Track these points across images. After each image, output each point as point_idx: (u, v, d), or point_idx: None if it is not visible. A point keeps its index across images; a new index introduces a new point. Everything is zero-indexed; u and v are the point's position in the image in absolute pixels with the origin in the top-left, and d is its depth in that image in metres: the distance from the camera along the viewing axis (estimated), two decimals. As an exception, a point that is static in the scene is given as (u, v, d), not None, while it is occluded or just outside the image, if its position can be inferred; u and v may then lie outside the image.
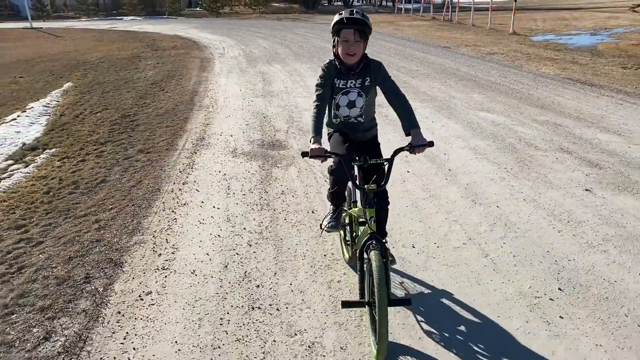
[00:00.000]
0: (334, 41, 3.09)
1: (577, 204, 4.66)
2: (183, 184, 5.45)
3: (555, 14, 31.22)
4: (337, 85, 3.13)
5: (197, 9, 51.45)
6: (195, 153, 6.48)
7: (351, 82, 3.12)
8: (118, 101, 9.80)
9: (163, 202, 4.99)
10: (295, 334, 3.02)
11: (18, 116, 9.41)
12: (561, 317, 3.11)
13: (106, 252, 4.08)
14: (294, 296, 3.41)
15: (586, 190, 4.98)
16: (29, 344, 3.04)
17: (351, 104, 3.19)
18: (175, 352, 2.92)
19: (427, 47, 17.69)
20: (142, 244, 4.18)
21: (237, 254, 3.97)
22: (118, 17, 42.56)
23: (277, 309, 3.28)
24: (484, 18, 23.95)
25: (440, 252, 3.88)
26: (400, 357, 2.82)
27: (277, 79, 11.64)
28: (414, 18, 33.22)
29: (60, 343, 3.04)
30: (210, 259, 3.90)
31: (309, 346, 2.93)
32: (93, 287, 3.60)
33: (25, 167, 6.54)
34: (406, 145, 2.87)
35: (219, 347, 2.94)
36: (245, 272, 3.71)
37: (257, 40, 20.56)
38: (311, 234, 4.24)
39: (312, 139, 2.86)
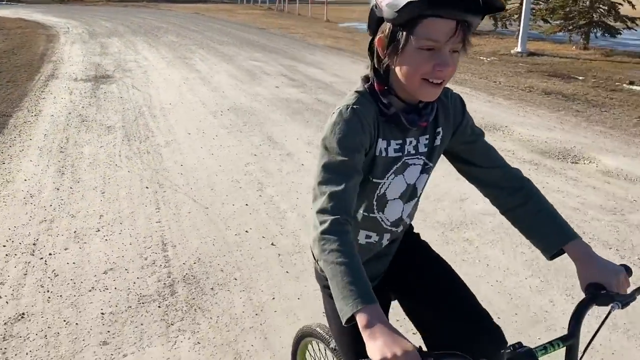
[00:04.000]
0: (385, 49, 1.22)
1: (265, 91, 9.15)
2: (42, 92, 9.06)
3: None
4: (382, 154, 1.30)
5: (39, -5, 50.82)
6: (48, 80, 10.02)
7: (412, 143, 1.33)
8: (-22, 60, 12.68)
9: (30, 98, 8.60)
10: (104, 127, 7.02)
11: None
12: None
13: (3, 112, 7.69)
14: (98, 115, 7.38)
15: (276, 87, 9.53)
16: (-30, 135, 6.67)
17: (409, 193, 1.40)
18: (52, 118, 6.77)
19: (248, 28, 22.02)
20: (21, 110, 7.84)
21: (75, 109, 7.80)
22: (-49, 2, 41.34)
23: (96, 121, 7.23)
24: (312, 8, 28.85)
25: (182, 106, 8.08)
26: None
27: (113, 46, 15.14)
28: (252, 7, 37.65)
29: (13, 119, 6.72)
30: (61, 112, 7.69)
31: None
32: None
33: None
34: (603, 295, 1.13)
35: (70, 121, 6.85)
36: (80, 114, 7.58)
37: (100, 22, 23.38)
38: (116, 103, 8.19)
39: (362, 312, 0.96)
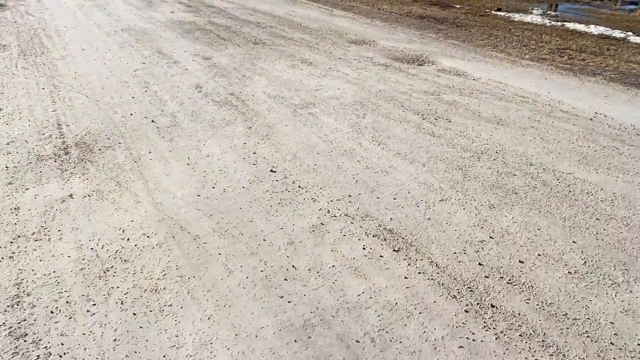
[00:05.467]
0: None
1: (160, 16, 9.65)
2: None
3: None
4: None
5: None
6: (-64, 8, 9.92)
7: None
8: None
9: None
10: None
11: None
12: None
13: None
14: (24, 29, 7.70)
15: (171, 12, 10.02)
16: None
17: None
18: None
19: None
20: None
21: (-31, 32, 8.02)
22: None
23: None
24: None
25: (77, 28, 8.47)
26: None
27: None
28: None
29: None
30: None
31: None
32: None
33: None
34: None
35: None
36: None
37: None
38: (11, 27, 8.44)
39: None
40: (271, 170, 3.81)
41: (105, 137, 4.34)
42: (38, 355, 2.20)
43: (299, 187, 3.59)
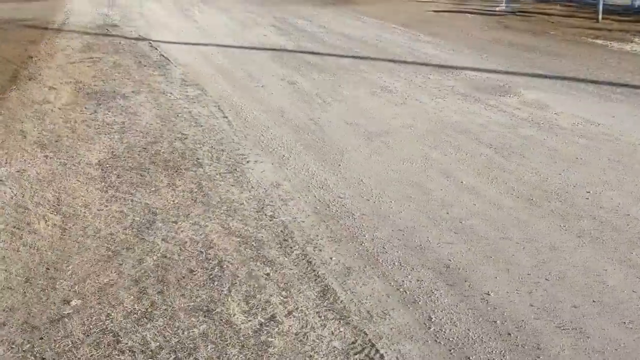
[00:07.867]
0: None
1: (253, 38, 10.28)
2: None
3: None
4: None
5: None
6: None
7: None
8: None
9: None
10: None
11: None
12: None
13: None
14: None
15: (264, 35, 10.64)
16: None
17: None
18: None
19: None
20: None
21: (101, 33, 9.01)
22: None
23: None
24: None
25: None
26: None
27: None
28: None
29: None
30: (76, 42, 8.90)
31: None
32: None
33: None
34: None
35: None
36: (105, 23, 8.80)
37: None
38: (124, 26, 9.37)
39: None
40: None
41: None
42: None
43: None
